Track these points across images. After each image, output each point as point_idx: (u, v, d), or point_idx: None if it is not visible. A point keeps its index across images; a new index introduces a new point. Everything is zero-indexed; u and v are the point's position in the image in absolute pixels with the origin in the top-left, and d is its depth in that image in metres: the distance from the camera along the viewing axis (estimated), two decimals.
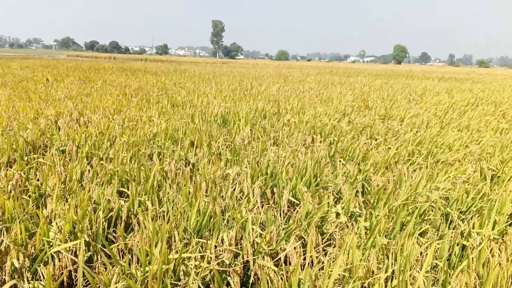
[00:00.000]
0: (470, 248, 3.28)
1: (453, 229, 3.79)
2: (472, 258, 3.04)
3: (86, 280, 3.00)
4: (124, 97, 11.94)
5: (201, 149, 6.09)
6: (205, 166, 5.00)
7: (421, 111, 11.25)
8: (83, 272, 2.80)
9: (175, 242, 3.22)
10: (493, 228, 3.67)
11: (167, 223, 3.31)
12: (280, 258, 3.29)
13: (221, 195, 4.25)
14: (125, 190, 4.37)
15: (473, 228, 3.65)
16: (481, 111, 11.78)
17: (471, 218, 3.93)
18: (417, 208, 3.88)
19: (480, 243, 3.28)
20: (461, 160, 6.16)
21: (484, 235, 3.50)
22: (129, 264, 2.99)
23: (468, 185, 4.99)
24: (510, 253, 3.27)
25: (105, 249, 3.12)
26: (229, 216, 3.67)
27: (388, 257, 3.00)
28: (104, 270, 3.00)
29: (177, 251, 3.04)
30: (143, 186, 4.30)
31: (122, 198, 4.01)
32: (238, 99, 12.36)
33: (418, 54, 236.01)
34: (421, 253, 3.21)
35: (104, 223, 3.51)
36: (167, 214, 3.72)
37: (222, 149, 6.13)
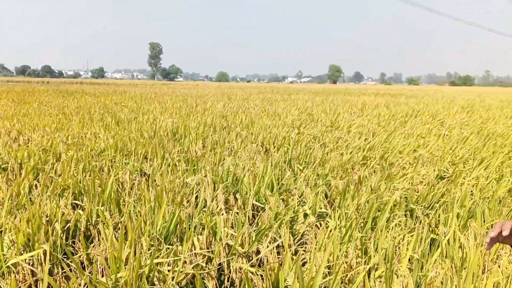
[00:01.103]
0: (440, 238, 3.32)
1: (419, 224, 3.84)
2: (445, 245, 3.08)
3: None
4: (64, 116, 11.40)
5: (155, 161, 5.87)
6: (163, 175, 4.80)
7: (365, 122, 11.59)
8: (48, 283, 2.53)
9: (143, 249, 3.02)
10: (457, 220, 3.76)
11: (133, 230, 3.10)
12: (252, 260, 3.17)
13: (183, 202, 4.08)
14: (79, 202, 4.09)
15: (439, 221, 3.72)
16: (420, 121, 12.32)
17: (435, 213, 4.00)
18: (382, 204, 3.91)
19: (448, 233, 3.33)
20: (412, 163, 6.34)
21: (450, 227, 3.57)
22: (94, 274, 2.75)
23: (425, 185, 5.13)
24: (476, 242, 3.35)
25: (67, 260, 2.87)
26: (196, 221, 3.51)
27: (366, 251, 2.97)
28: (66, 282, 2.75)
29: (146, 258, 2.85)
30: (98, 197, 4.04)
31: (77, 210, 3.73)
32: (185, 115, 12.16)
33: (352, 73, 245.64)
34: (394, 246, 3.21)
35: (62, 235, 3.24)
36: (130, 223, 3.50)
37: (177, 161, 5.94)
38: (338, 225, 3.43)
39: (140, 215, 3.56)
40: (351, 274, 2.65)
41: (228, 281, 3.06)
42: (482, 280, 2.78)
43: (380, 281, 2.67)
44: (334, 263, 2.71)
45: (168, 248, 3.05)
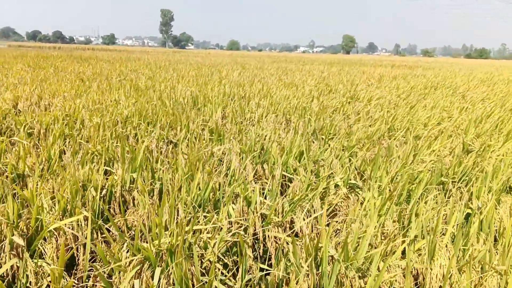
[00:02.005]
0: (475, 213, 3.30)
1: (449, 197, 3.81)
2: (482, 219, 3.06)
3: (90, 257, 2.77)
4: (82, 82, 11.40)
5: (179, 129, 5.87)
6: (190, 144, 4.80)
7: (385, 94, 11.44)
8: (89, 249, 2.57)
9: (179, 216, 3.04)
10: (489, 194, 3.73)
11: (171, 197, 3.12)
12: (287, 230, 3.18)
13: (216, 171, 4.08)
14: (110, 168, 4.12)
15: (471, 195, 3.69)
16: (441, 93, 12.13)
17: (465, 187, 3.97)
18: (414, 177, 3.88)
19: (485, 207, 3.31)
20: (437, 136, 6.27)
21: (484, 201, 3.54)
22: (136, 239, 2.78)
23: (452, 157, 5.08)
24: None
25: (106, 226, 2.90)
26: (229, 190, 3.51)
27: (403, 223, 2.96)
28: (107, 247, 2.78)
29: (184, 224, 2.86)
30: (129, 164, 4.06)
31: (112, 176, 3.75)
32: (203, 83, 12.09)
33: (365, 44, 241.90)
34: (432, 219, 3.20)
35: (98, 201, 3.27)
36: (163, 190, 3.52)
37: (201, 129, 5.94)
38: (372, 197, 3.42)
39: (174, 183, 3.57)
40: (391, 247, 2.65)
41: (262, 249, 3.08)
42: None
43: (420, 254, 2.68)
44: (375, 235, 2.71)
45: (206, 216, 3.07)
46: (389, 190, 3.54)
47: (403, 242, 2.75)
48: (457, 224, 3.12)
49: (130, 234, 3.06)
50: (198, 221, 2.95)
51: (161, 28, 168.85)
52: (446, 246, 2.63)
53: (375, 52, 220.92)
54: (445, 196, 3.89)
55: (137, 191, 3.45)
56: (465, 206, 3.55)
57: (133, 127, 5.83)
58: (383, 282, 2.37)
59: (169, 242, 2.48)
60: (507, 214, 3.33)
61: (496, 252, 2.90)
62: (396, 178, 4.00)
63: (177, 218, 3.05)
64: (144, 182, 3.72)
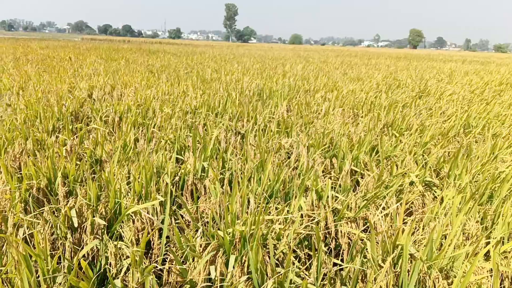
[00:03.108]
0: None
1: None
2: None
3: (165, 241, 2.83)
4: (152, 74, 11.76)
5: (247, 121, 5.89)
6: (259, 135, 4.79)
7: (457, 89, 10.90)
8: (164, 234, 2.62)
9: (250, 206, 3.04)
10: None
11: (243, 186, 3.12)
12: (360, 226, 3.09)
13: (284, 163, 4.05)
14: (182, 157, 4.19)
15: None
16: None
17: None
18: (498, 176, 3.64)
19: None
20: None
21: None
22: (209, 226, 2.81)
23: None
24: None
25: (180, 211, 2.95)
26: (299, 183, 3.47)
27: (486, 223, 2.78)
28: (181, 233, 2.83)
29: (256, 214, 2.86)
30: (200, 153, 4.11)
31: (184, 164, 3.81)
32: (267, 76, 12.10)
33: (433, 39, 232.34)
34: None
35: (172, 188, 3.34)
36: (233, 180, 3.53)
37: (268, 121, 5.93)
38: (452, 196, 3.24)
39: (243, 173, 3.58)
40: (475, 248, 2.49)
41: (333, 244, 3.01)
42: None
43: (506, 257, 2.50)
44: (457, 235, 2.56)
45: (277, 208, 3.04)
46: (470, 189, 3.35)
47: (487, 243, 2.58)
48: None
49: (202, 221, 3.10)
50: (270, 212, 2.93)
51: (225, 22, 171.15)
52: None
53: (444, 47, 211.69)
54: None
55: (209, 180, 3.49)
56: None
57: (202, 117, 5.92)
58: (469, 284, 2.24)
59: (243, 231, 2.48)
60: None
61: None
62: (477, 177, 3.77)
63: (248, 207, 3.05)
64: (215, 171, 3.76)
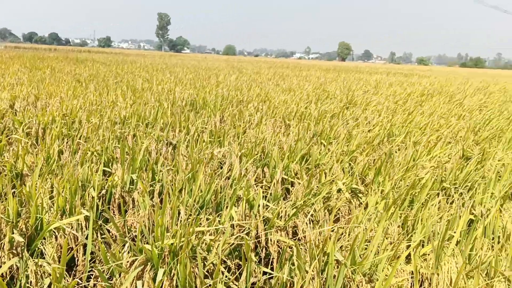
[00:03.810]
0: (479, 219, 3.28)
1: (452, 203, 3.79)
2: (486, 225, 3.04)
3: (90, 257, 2.72)
4: (79, 83, 11.33)
5: (177, 131, 5.82)
6: (190, 146, 4.75)
7: (382, 100, 11.45)
8: (89, 249, 2.52)
9: (180, 217, 2.99)
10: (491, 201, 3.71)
11: (173, 198, 3.07)
12: (289, 234, 3.15)
13: (216, 173, 4.04)
14: (109, 169, 4.06)
15: (474, 201, 3.67)
16: (438, 101, 12.16)
17: (469, 192, 3.95)
18: (416, 182, 3.86)
19: (488, 213, 3.29)
20: (436, 142, 6.26)
21: (486, 208, 3.52)
22: (138, 241, 2.73)
23: (453, 163, 5.06)
24: None
25: (106, 226, 2.85)
26: (230, 193, 3.47)
27: (407, 229, 2.93)
28: (107, 248, 2.73)
29: (187, 226, 2.82)
30: (129, 165, 4.01)
31: (112, 177, 3.69)
32: (200, 87, 12.06)
33: (361, 51, 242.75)
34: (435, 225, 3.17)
35: (98, 201, 3.22)
36: (163, 192, 3.47)
37: (201, 132, 5.90)
38: (376, 202, 3.39)
39: (175, 184, 3.53)
40: (396, 251, 2.61)
41: (264, 253, 3.04)
42: None
43: (425, 259, 2.64)
44: (380, 240, 2.67)
45: (208, 219, 3.02)
46: (392, 195, 3.51)
47: (408, 247, 2.72)
48: (462, 230, 3.09)
49: (130, 235, 3.01)
50: (201, 223, 2.90)
51: (157, 32, 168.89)
52: (453, 251, 2.60)
53: (371, 60, 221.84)
54: (447, 202, 3.86)
55: (138, 192, 3.40)
56: (468, 212, 3.53)
57: (131, 128, 5.78)
58: (391, 287, 2.34)
59: (172, 244, 2.44)
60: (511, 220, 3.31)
61: (501, 257, 2.88)
62: (399, 184, 3.97)
63: (178, 219, 3.01)
64: (144, 183, 3.67)
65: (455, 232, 2.80)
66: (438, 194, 3.95)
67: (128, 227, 3.16)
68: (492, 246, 2.97)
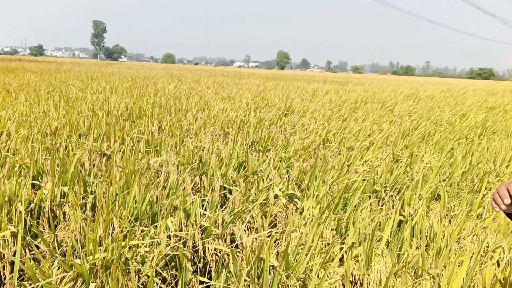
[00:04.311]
0: (407, 220, 3.44)
1: (385, 205, 3.96)
2: (413, 225, 3.19)
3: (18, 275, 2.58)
4: (8, 94, 10.76)
5: (113, 141, 5.67)
6: (125, 156, 4.64)
7: (318, 107, 11.77)
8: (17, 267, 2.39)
9: (115, 230, 2.91)
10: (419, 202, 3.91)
11: (106, 211, 2.98)
12: (227, 242, 3.15)
13: (149, 184, 3.97)
14: (38, 182, 3.88)
15: (403, 202, 3.85)
16: (371, 107, 12.67)
17: (399, 194, 4.14)
18: (349, 186, 3.99)
19: (415, 214, 3.46)
20: (368, 147, 6.51)
21: (414, 208, 3.71)
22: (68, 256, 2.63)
23: (383, 168, 5.28)
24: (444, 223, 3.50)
25: (35, 242, 2.72)
26: (167, 203, 3.42)
27: (340, 231, 3.02)
28: (37, 264, 2.60)
29: (120, 239, 2.74)
30: (60, 177, 3.85)
31: (40, 190, 3.53)
32: (137, 95, 11.83)
33: (299, 60, 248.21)
34: (367, 226, 3.29)
35: (26, 216, 3.06)
36: (96, 204, 3.36)
37: (137, 141, 5.78)
38: (311, 206, 3.47)
39: (108, 196, 3.43)
40: (330, 254, 2.69)
41: (202, 262, 3.02)
42: (450, 258, 2.91)
43: (357, 260, 2.73)
44: (314, 244, 2.74)
45: (143, 230, 2.96)
46: (327, 199, 3.61)
47: (341, 249, 2.80)
48: (392, 231, 3.23)
49: (61, 250, 2.89)
50: (135, 236, 2.84)
51: (92, 40, 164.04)
52: (382, 252, 2.72)
53: (308, 68, 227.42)
54: (378, 204, 4.02)
55: (69, 206, 3.28)
56: (398, 213, 3.70)
57: (63, 139, 5.56)
58: None
59: (104, 258, 2.37)
60: (437, 220, 3.50)
61: (428, 256, 3.03)
62: (333, 188, 4.09)
63: (112, 232, 2.92)
64: (76, 196, 3.54)
65: (384, 233, 2.92)
66: (369, 196, 4.10)
67: (60, 242, 3.04)
68: (420, 246, 3.12)
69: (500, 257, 3.17)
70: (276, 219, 3.61)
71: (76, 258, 2.69)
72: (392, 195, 4.18)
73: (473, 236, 3.43)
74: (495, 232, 3.60)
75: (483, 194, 4.25)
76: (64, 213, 3.31)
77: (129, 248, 2.68)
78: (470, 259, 2.93)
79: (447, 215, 3.87)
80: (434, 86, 37.35)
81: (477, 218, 3.97)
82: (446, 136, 7.37)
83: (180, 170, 4.50)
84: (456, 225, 3.40)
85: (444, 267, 2.86)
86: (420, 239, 3.25)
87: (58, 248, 2.91)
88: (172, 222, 3.14)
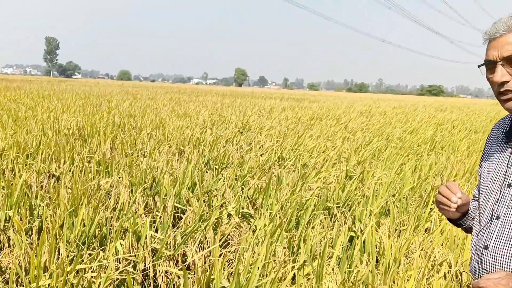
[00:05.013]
0: (358, 235, 3.51)
1: (337, 221, 4.02)
2: (363, 241, 3.26)
3: None
4: None
5: (63, 162, 5.51)
6: (75, 177, 4.51)
7: (275, 124, 11.89)
8: None
9: (61, 255, 2.82)
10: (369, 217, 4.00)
11: (51, 235, 2.88)
12: (179, 263, 3.10)
13: (100, 206, 3.87)
14: None
15: (354, 219, 3.93)
16: (325, 124, 12.92)
17: (350, 211, 4.22)
18: (302, 203, 4.03)
19: (366, 230, 3.53)
20: (322, 163, 6.63)
21: (365, 224, 3.79)
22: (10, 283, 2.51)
23: (336, 184, 5.38)
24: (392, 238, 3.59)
25: None
26: (117, 225, 3.34)
27: (292, 249, 3.04)
28: None
29: (66, 264, 2.65)
30: (5, 200, 3.69)
31: None
32: (90, 113, 11.57)
33: (257, 77, 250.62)
34: (319, 243, 3.33)
35: None
36: (43, 228, 3.24)
37: (88, 162, 5.64)
38: (264, 225, 3.48)
39: (55, 220, 3.31)
40: (281, 273, 2.70)
41: (152, 286, 2.96)
42: (399, 273, 2.99)
43: (309, 278, 2.76)
44: (266, 263, 2.74)
45: (91, 254, 2.87)
46: (279, 217, 3.64)
47: (293, 268, 2.82)
48: (342, 247, 3.28)
49: (4, 277, 2.76)
50: (82, 260, 2.75)
51: (45, 57, 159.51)
52: (332, 270, 2.75)
53: (266, 85, 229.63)
54: (331, 220, 4.09)
55: (13, 230, 3.14)
56: (349, 229, 3.76)
57: (10, 160, 5.34)
58: None
59: (48, 285, 2.28)
60: (386, 235, 3.59)
61: (378, 272, 3.10)
62: (286, 205, 4.12)
63: (58, 257, 2.82)
64: (22, 220, 3.40)
65: (335, 250, 2.96)
66: (322, 213, 4.16)
67: (3, 269, 2.90)
68: (370, 261, 3.18)
69: (446, 270, 3.28)
70: (229, 238, 3.59)
71: (20, 286, 2.58)
72: (344, 211, 4.26)
73: (421, 250, 3.54)
74: (442, 245, 3.73)
75: (430, 209, 4.40)
76: (9, 238, 3.17)
77: (76, 273, 2.59)
78: (418, 274, 3.02)
79: (396, 229, 3.98)
80: (386, 102, 38.57)
81: (425, 232, 4.11)
82: (396, 152, 7.60)
83: (132, 191, 4.41)
84: (404, 240, 3.49)
85: (393, 282, 2.93)
86: (370, 255, 3.31)
87: (1, 276, 2.77)
88: (122, 244, 3.07)
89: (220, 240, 3.51)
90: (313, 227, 3.48)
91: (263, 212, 3.84)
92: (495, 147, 1.48)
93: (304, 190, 4.80)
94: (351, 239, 3.65)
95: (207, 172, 5.56)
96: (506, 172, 1.38)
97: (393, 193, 5.02)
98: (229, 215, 3.88)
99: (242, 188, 4.99)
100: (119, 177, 4.79)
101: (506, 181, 1.37)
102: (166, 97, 25.55)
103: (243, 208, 4.10)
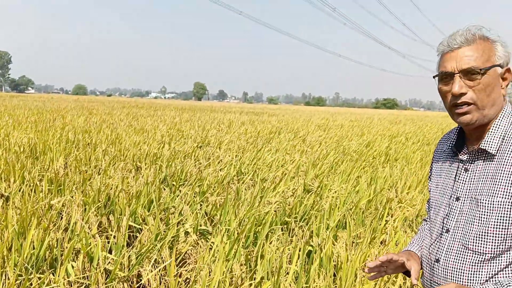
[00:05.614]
0: (315, 249, 3.52)
1: (295, 236, 4.03)
2: (321, 256, 3.27)
3: None
4: None
5: (12, 181, 5.28)
6: (25, 196, 4.33)
7: (234, 139, 11.88)
8: None
9: (9, 279, 2.68)
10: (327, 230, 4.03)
11: None
12: (134, 285, 3.02)
13: (51, 227, 3.72)
14: None
15: (312, 233, 3.95)
16: (284, 138, 13.03)
17: (307, 225, 4.24)
18: (260, 219, 4.03)
19: (323, 243, 3.56)
20: (281, 177, 6.66)
21: (322, 238, 3.81)
22: None
23: (294, 198, 5.41)
24: (348, 252, 3.63)
25: None
26: (68, 246, 3.22)
27: (250, 266, 3.02)
28: None
29: None
30: None
31: None
32: (43, 130, 11.20)
33: (216, 91, 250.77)
34: (277, 259, 3.32)
35: None
36: None
37: (39, 180, 5.43)
38: (221, 241, 3.44)
39: (2, 242, 3.16)
40: None
41: None
42: (356, 286, 3.01)
43: None
44: (222, 281, 2.70)
45: (40, 278, 2.75)
46: (237, 233, 3.61)
47: (251, 285, 2.79)
48: (300, 263, 3.29)
49: None
50: (31, 284, 2.63)
51: None
52: (290, 286, 2.75)
53: (225, 99, 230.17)
54: (289, 235, 4.09)
55: None
56: (307, 243, 3.78)
57: None
58: None
59: None
60: (343, 249, 3.62)
61: (335, 286, 3.12)
62: (244, 221, 4.10)
63: (5, 283, 2.68)
64: None
65: (292, 265, 2.96)
66: (281, 228, 4.16)
67: None
68: (327, 275, 3.20)
69: (402, 283, 3.34)
70: (186, 256, 3.53)
71: None
72: (302, 226, 4.28)
73: None
74: None
75: (386, 221, 4.49)
76: None
77: None
78: (374, 286, 3.06)
79: (353, 242, 4.03)
80: (343, 116, 39.37)
81: (381, 244, 4.18)
82: (353, 165, 7.74)
83: (86, 210, 4.28)
84: (361, 253, 3.54)
85: None
86: (328, 269, 3.33)
87: None
88: (73, 267, 2.95)
89: (177, 259, 3.45)
90: (271, 242, 3.47)
91: (221, 229, 3.80)
92: (442, 161, 1.52)
93: (262, 205, 4.80)
94: (309, 253, 3.67)
95: (164, 189, 5.47)
96: (453, 185, 1.42)
97: (350, 207, 5.10)
98: (187, 232, 3.82)
99: (201, 205, 4.94)
100: (72, 196, 4.63)
101: (454, 195, 1.40)
102: (123, 111, 25.10)
103: (201, 225, 4.05)
